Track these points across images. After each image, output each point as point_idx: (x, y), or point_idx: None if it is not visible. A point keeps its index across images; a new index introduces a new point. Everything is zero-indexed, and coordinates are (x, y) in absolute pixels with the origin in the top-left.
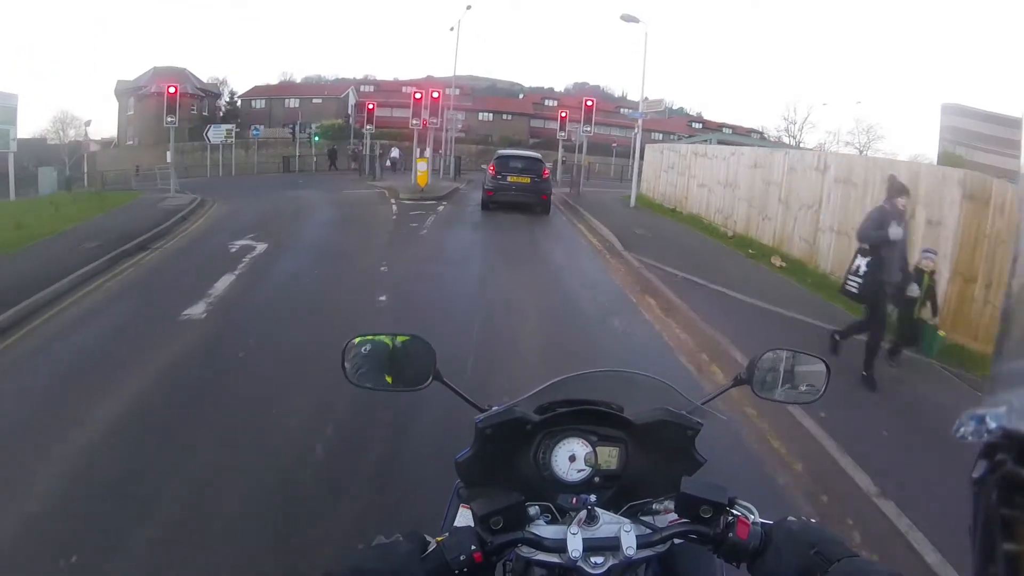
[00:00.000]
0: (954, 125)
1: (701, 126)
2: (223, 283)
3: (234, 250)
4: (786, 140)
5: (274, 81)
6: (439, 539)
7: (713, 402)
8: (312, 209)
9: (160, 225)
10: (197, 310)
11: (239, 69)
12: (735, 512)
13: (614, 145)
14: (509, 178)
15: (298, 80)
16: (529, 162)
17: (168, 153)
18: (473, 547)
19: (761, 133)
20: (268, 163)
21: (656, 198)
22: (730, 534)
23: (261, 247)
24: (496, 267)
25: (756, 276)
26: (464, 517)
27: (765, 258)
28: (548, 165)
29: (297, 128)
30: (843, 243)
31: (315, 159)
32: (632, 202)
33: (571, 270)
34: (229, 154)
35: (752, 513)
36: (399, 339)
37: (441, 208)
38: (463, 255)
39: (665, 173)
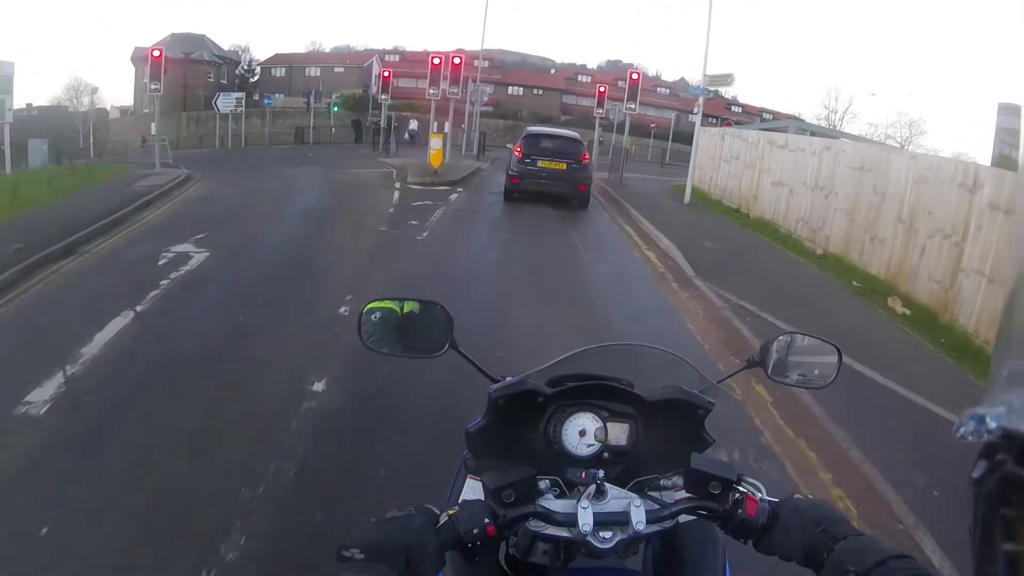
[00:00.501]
0: (1010, 127)
1: (740, 110)
2: (108, 333)
3: (163, 263)
4: (825, 126)
5: (302, 50)
6: (451, 512)
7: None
8: (298, 194)
9: (115, 213)
10: (42, 395)
11: (265, 37)
12: (743, 489)
13: (652, 126)
14: (540, 163)
15: (327, 50)
16: (565, 143)
17: (153, 125)
18: (486, 520)
19: (801, 120)
20: (283, 134)
21: (713, 192)
22: (739, 511)
23: (198, 258)
24: (515, 306)
25: (876, 329)
26: (471, 489)
27: (878, 297)
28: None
29: (312, 98)
30: (997, 295)
31: (333, 130)
32: (687, 197)
33: (628, 314)
34: (240, 124)
35: (760, 491)
36: (408, 305)
37: (454, 197)
38: (469, 280)
39: (727, 164)
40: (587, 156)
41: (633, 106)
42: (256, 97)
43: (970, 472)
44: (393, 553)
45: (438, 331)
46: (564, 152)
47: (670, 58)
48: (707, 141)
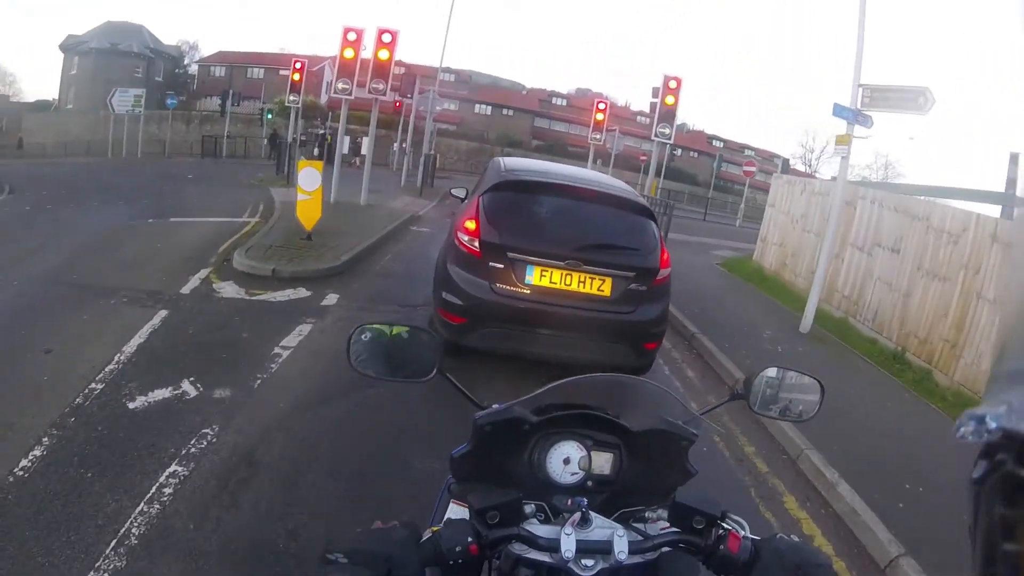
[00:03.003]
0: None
1: (723, 144)
2: None
3: None
4: (801, 168)
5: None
6: (434, 529)
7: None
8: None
9: None
10: None
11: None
12: (726, 525)
13: (642, 159)
14: (534, 275)
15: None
16: (609, 214)
17: None
18: (469, 539)
19: (786, 160)
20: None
21: (833, 304)
22: (721, 547)
23: None
24: None
25: None
26: (455, 514)
27: None
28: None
29: (229, 101)
30: None
31: (254, 141)
32: (806, 323)
33: None
34: (137, 127)
35: (743, 528)
36: (396, 330)
37: (296, 341)
38: None
39: (861, 252)
40: (666, 255)
41: (669, 132)
42: (182, 97)
43: (970, 472)
44: (375, 561)
45: (427, 356)
46: (610, 243)
47: (636, 90)
48: (791, 197)
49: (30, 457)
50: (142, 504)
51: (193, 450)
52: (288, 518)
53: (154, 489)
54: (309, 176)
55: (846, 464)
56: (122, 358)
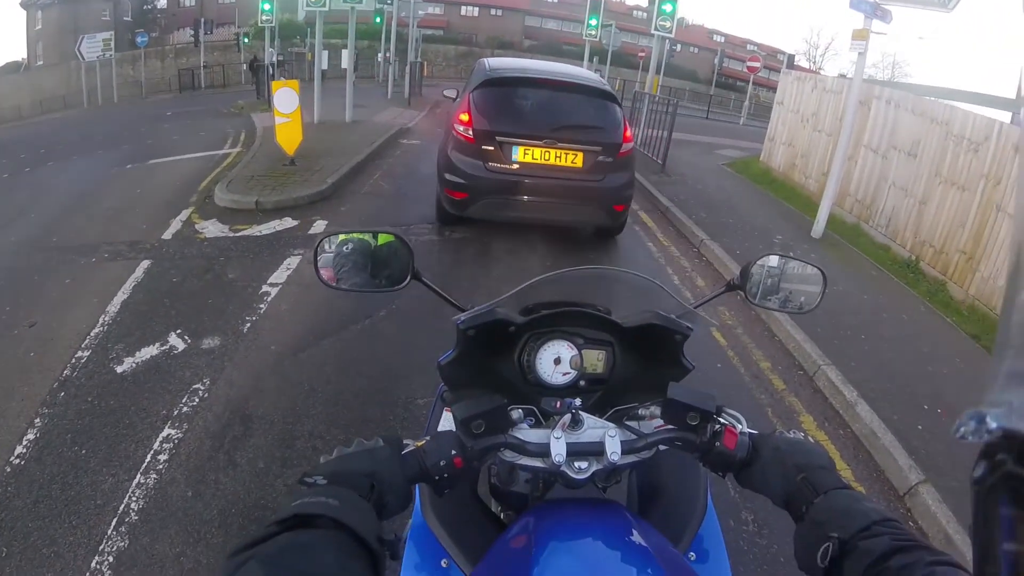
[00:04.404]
0: None
1: (724, 40)
2: None
3: None
4: (805, 65)
5: None
6: (419, 443)
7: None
8: None
9: None
10: None
11: None
12: (722, 421)
13: (640, 55)
14: (519, 151)
15: None
16: (580, 100)
17: None
18: (453, 452)
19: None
20: (172, 78)
21: (846, 207)
22: (717, 443)
23: None
24: None
25: None
26: (448, 421)
27: None
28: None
29: (202, 30)
30: None
31: (232, 68)
32: (818, 227)
33: None
34: (110, 71)
35: (740, 422)
36: (383, 238)
37: (284, 276)
38: None
39: (875, 155)
40: (629, 132)
41: (669, 26)
42: (154, 35)
43: (970, 472)
44: (357, 479)
45: (400, 262)
46: (579, 124)
47: None
48: (807, 95)
49: (24, 443)
50: (139, 476)
51: (185, 409)
52: (288, 474)
53: (149, 458)
54: (285, 97)
55: (864, 382)
56: (107, 319)
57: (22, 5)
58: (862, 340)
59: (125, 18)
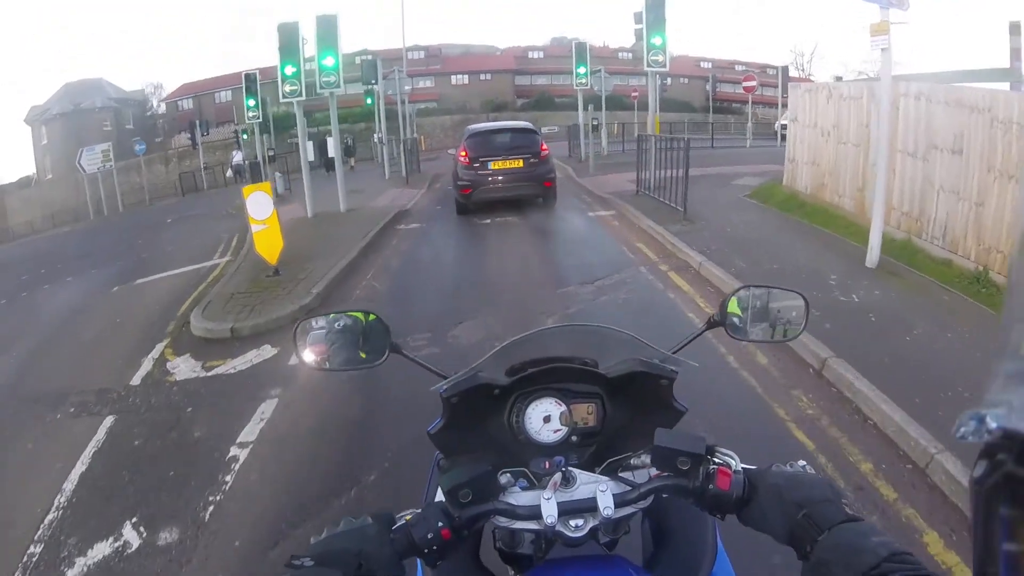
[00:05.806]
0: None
1: (711, 65)
2: None
3: None
4: (794, 74)
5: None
6: (408, 517)
7: (686, 349)
8: None
9: None
10: None
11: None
12: (715, 461)
13: (634, 95)
14: (491, 164)
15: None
16: (517, 136)
17: None
18: (440, 524)
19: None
20: (176, 182)
21: (893, 221)
22: (710, 485)
23: None
24: None
25: None
26: None
27: None
28: (543, 134)
29: (198, 131)
30: None
31: (228, 174)
32: (872, 257)
33: None
34: (112, 182)
35: (733, 460)
36: (371, 316)
37: (256, 431)
38: None
39: (914, 159)
40: (545, 147)
41: (660, 57)
42: (157, 141)
43: (970, 472)
44: (345, 559)
45: (379, 339)
46: (517, 147)
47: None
48: (824, 107)
49: None
50: None
51: None
52: None
53: None
54: (258, 203)
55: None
56: (62, 500)
57: (27, 121)
58: (966, 400)
59: (127, 126)
